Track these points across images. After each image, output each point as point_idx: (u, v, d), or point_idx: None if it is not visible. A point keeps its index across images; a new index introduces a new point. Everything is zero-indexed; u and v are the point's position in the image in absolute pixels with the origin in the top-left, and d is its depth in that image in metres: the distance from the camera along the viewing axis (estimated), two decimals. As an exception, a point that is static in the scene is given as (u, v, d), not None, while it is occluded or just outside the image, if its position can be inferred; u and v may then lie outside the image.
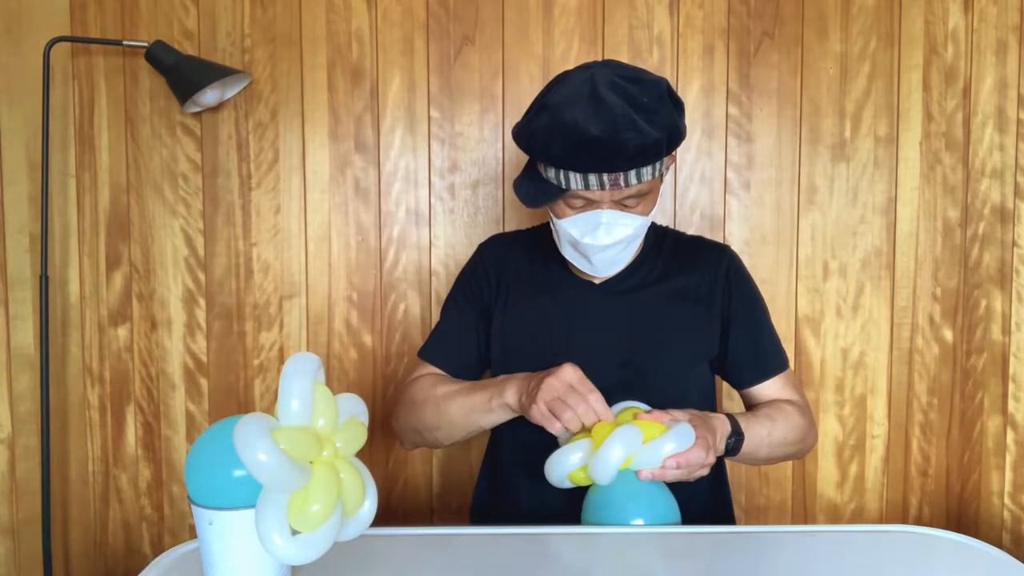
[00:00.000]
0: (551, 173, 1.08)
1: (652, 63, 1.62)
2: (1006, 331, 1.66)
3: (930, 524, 1.66)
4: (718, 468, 1.25)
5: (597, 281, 1.23)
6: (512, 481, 1.22)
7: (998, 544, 1.66)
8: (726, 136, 1.64)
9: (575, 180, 1.06)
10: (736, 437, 1.11)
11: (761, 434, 1.15)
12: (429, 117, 1.63)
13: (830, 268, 1.66)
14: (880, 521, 1.70)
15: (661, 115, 1.04)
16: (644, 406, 1.07)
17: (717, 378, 1.29)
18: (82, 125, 1.62)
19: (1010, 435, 1.67)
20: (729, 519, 1.29)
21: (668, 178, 1.64)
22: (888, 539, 0.97)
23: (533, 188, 1.11)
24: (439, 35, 1.62)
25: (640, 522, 1.00)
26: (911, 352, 1.67)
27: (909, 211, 1.65)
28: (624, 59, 1.61)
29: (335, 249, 1.65)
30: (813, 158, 1.64)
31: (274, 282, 1.65)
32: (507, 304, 1.24)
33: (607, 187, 1.05)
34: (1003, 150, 1.63)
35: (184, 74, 1.49)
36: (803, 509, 1.70)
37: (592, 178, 1.05)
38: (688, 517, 1.04)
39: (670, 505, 1.04)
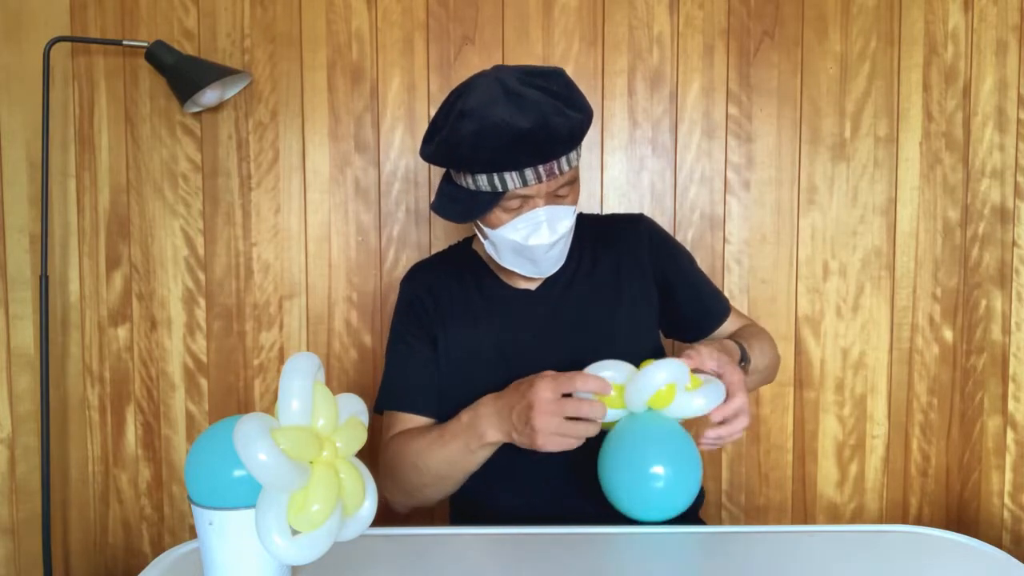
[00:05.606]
0: (482, 180, 1.05)
1: (652, 63, 1.62)
2: (1006, 331, 1.65)
3: (930, 524, 1.66)
4: None
5: (533, 287, 1.22)
6: (493, 481, 1.17)
7: (998, 544, 1.66)
8: (726, 136, 1.64)
9: (511, 179, 1.04)
10: (744, 361, 1.13)
11: (756, 352, 1.18)
12: (429, 117, 1.63)
13: (830, 268, 1.66)
14: (880, 521, 1.69)
15: (575, 98, 1.07)
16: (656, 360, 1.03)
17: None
18: (82, 125, 1.62)
19: (1010, 435, 1.67)
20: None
21: (668, 178, 1.64)
22: (888, 539, 0.97)
23: (460, 204, 1.09)
24: (439, 35, 1.62)
25: (660, 469, 0.97)
26: (911, 352, 1.67)
27: (909, 211, 1.65)
28: (624, 59, 1.62)
29: (335, 249, 1.65)
30: (813, 158, 1.64)
31: (274, 282, 1.65)
32: (449, 330, 1.20)
33: (544, 178, 1.05)
34: (1003, 150, 1.63)
35: (184, 74, 1.49)
36: (803, 509, 1.70)
37: (529, 172, 1.04)
38: None
39: (692, 455, 1.00)
